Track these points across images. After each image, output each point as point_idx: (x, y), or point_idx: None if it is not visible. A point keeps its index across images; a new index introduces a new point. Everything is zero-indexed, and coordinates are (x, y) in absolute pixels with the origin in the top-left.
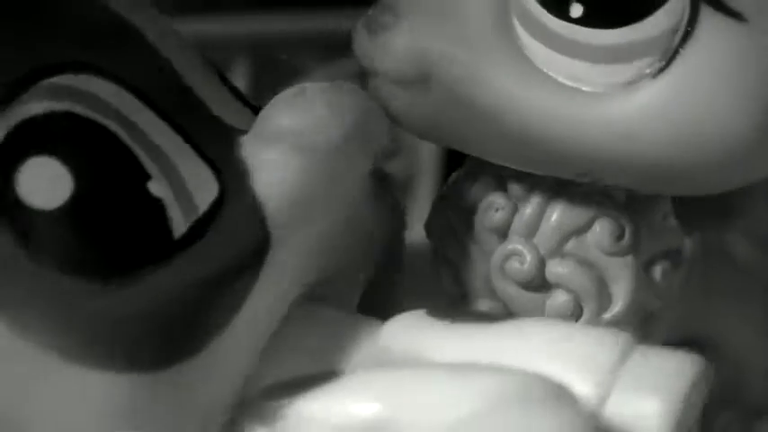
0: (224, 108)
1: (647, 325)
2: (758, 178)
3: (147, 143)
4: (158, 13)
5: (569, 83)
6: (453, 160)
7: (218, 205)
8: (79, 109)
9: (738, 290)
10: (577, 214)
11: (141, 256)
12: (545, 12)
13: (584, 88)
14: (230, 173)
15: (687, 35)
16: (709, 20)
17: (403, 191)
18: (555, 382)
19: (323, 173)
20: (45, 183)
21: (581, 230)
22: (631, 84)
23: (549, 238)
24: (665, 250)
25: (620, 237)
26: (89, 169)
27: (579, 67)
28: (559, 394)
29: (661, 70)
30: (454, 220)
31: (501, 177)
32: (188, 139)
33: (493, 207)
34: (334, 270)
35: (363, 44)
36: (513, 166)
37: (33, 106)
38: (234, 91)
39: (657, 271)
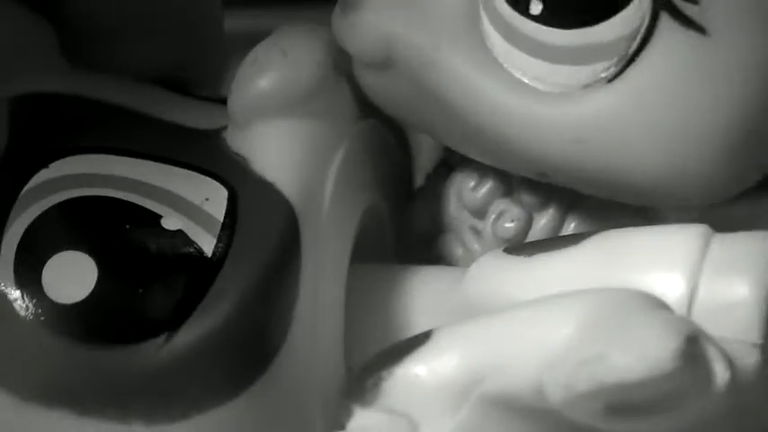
0: (195, 116)
1: None
2: (721, 199)
3: (143, 187)
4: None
5: (527, 80)
6: None
7: (232, 204)
8: (74, 193)
9: None
10: (595, 227)
11: (181, 297)
12: (507, 6)
13: (540, 87)
14: (228, 170)
15: (644, 43)
16: (669, 30)
17: None
18: (642, 292)
19: (312, 118)
20: (69, 277)
21: None
22: (586, 87)
23: None
24: None
25: None
26: (107, 247)
27: (537, 65)
28: (648, 303)
29: (616, 76)
30: (452, 218)
31: (509, 180)
32: (174, 162)
33: (506, 217)
34: (381, 212)
35: (336, 23)
36: (476, 159)
37: (33, 209)
38: (201, 97)
39: None
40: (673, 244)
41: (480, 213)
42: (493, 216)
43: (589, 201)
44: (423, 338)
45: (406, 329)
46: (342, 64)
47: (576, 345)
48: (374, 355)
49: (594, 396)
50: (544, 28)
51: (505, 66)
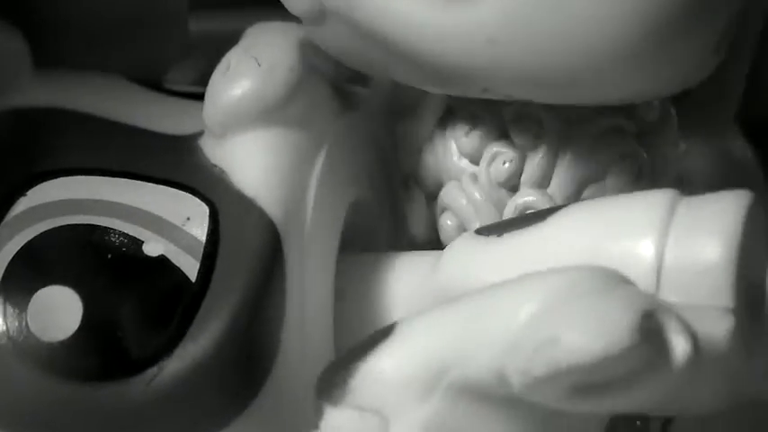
0: (171, 119)
1: None
2: (647, 92)
3: (124, 210)
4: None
5: None
6: None
7: (214, 223)
8: (51, 222)
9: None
10: (591, 160)
11: (167, 328)
12: None
13: None
14: (207, 184)
15: None
16: None
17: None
18: (605, 269)
19: (290, 125)
20: (54, 314)
21: (598, 177)
22: None
23: (565, 188)
24: (680, 174)
25: (638, 176)
26: (90, 281)
27: None
28: (610, 280)
29: None
30: (451, 170)
31: (501, 121)
32: (153, 179)
33: (500, 159)
34: (367, 203)
35: None
36: (419, 87)
37: (13, 243)
38: (178, 93)
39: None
40: (639, 211)
41: (476, 159)
42: (486, 160)
43: (580, 132)
44: (387, 332)
45: (385, 322)
46: (316, 55)
47: (532, 328)
48: (344, 350)
49: (553, 380)
50: None
51: None
